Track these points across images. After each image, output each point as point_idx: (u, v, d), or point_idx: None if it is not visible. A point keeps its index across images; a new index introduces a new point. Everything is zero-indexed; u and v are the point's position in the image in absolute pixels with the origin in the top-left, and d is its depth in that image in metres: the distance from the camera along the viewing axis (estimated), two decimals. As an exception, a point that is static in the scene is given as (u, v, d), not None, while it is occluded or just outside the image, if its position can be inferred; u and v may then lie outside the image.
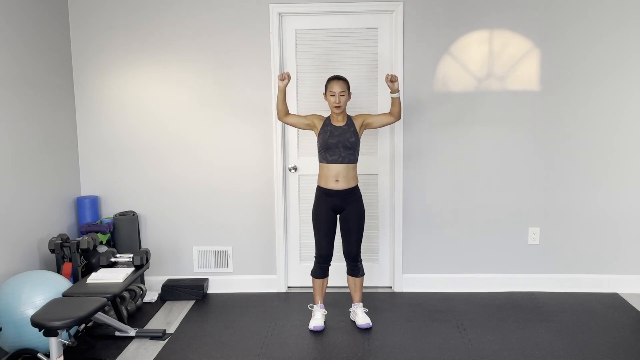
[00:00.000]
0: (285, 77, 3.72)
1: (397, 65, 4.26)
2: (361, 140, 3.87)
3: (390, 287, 4.57)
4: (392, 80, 3.68)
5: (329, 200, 3.75)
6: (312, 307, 3.98)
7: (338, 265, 4.24)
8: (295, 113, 4.32)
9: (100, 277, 3.54)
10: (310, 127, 3.80)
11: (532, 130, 4.31)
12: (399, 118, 3.81)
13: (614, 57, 4.22)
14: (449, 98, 4.31)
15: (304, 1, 4.23)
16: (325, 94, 3.74)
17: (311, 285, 4.27)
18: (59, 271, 3.84)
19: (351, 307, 3.96)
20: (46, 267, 3.97)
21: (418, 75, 4.28)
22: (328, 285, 4.20)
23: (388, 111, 3.88)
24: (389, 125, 4.36)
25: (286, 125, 4.40)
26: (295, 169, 4.46)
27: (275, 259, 4.52)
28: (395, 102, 3.74)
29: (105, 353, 3.49)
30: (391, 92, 3.73)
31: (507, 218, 4.42)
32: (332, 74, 3.85)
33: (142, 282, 4.44)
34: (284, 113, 3.80)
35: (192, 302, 4.33)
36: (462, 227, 4.44)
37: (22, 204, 3.75)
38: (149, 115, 4.41)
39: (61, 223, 4.21)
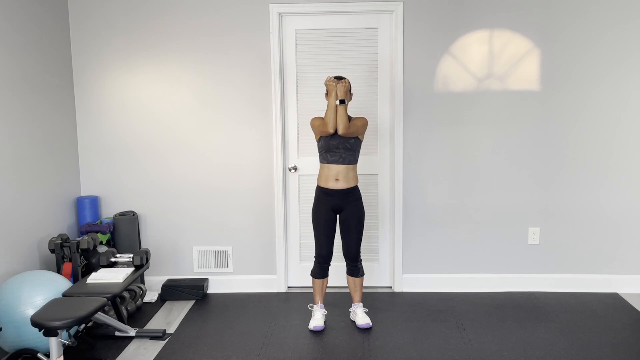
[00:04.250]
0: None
1: (397, 65, 4.25)
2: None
3: (390, 287, 4.57)
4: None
5: (328, 199, 3.74)
6: (312, 307, 3.98)
7: (338, 265, 4.24)
8: (296, 115, 4.34)
9: (100, 277, 3.54)
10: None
11: (532, 130, 4.31)
12: (341, 131, 3.58)
13: (614, 57, 4.21)
14: (449, 98, 4.31)
15: (304, 1, 4.23)
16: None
17: (311, 285, 4.27)
18: (59, 271, 3.84)
19: (351, 307, 3.96)
20: (46, 267, 3.97)
21: (418, 75, 4.28)
22: (328, 285, 4.20)
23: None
24: (389, 126, 4.39)
25: (286, 125, 4.40)
26: (295, 168, 4.46)
27: (275, 259, 4.52)
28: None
29: (105, 353, 3.49)
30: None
31: (507, 218, 4.42)
32: (333, 74, 3.84)
33: (142, 282, 4.44)
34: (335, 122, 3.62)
35: (192, 302, 4.33)
36: (462, 227, 4.44)
37: (22, 204, 3.75)
38: (149, 115, 4.41)
39: (61, 223, 4.21)
